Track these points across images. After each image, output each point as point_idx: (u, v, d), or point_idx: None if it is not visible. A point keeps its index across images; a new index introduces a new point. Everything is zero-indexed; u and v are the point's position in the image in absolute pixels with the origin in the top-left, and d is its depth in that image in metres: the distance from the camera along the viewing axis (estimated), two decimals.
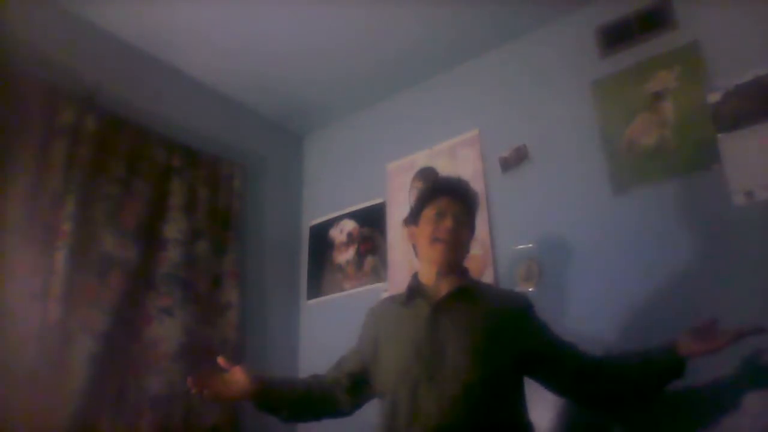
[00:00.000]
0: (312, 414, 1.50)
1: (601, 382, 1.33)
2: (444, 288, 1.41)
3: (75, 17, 2.05)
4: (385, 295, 2.31)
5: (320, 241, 2.70)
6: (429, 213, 1.44)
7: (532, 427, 1.35)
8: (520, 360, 1.34)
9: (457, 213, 1.42)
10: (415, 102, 2.58)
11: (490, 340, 1.32)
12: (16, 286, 1.63)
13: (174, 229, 2.11)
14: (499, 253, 2.07)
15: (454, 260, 1.42)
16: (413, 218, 1.51)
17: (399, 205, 2.45)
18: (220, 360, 1.40)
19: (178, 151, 2.23)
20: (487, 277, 2.04)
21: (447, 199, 1.44)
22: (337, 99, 2.69)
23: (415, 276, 1.49)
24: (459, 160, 2.32)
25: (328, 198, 2.76)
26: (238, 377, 1.37)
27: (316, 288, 2.64)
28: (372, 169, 2.60)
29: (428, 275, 1.45)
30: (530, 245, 1.99)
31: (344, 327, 2.39)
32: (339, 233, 2.64)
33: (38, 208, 1.73)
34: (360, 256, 2.52)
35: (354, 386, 1.48)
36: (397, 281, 2.31)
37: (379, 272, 2.42)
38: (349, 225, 2.62)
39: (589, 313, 1.77)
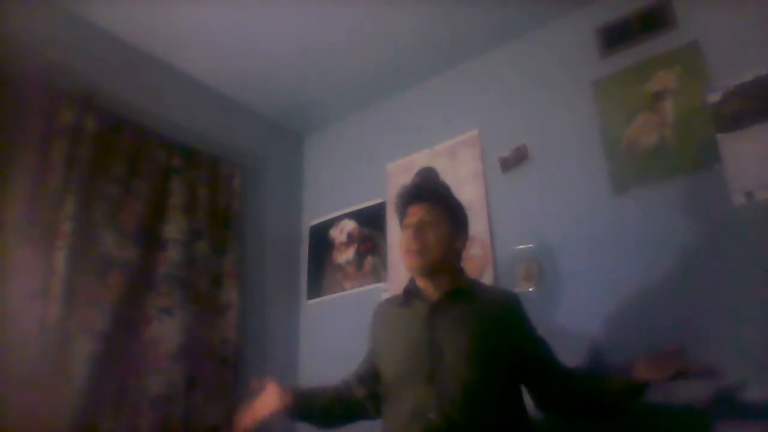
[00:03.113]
0: (342, 418, 1.51)
1: (579, 395, 1.34)
2: (439, 289, 1.43)
3: (75, 17, 2.04)
4: (385, 295, 2.31)
5: (320, 241, 2.70)
6: (403, 225, 1.48)
7: (531, 424, 1.36)
8: (514, 357, 1.35)
9: (421, 219, 1.43)
10: (415, 102, 2.58)
11: (486, 340, 1.34)
12: (16, 286, 1.63)
13: (174, 229, 2.11)
14: (499, 253, 2.07)
15: (426, 265, 1.41)
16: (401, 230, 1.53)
17: None
18: (254, 382, 1.46)
19: (178, 151, 2.23)
20: (487, 277, 2.04)
21: (413, 207, 1.47)
22: (337, 99, 2.69)
23: (411, 279, 1.52)
24: (459, 160, 2.32)
25: (328, 198, 2.75)
26: (271, 395, 1.41)
27: (316, 288, 2.64)
28: (372, 169, 2.60)
29: (420, 281, 1.48)
30: (530, 245, 1.99)
31: (344, 327, 2.40)
32: (339, 233, 2.64)
33: (38, 208, 1.73)
34: (360, 256, 2.52)
35: (371, 389, 1.49)
36: (397, 281, 2.31)
37: (379, 272, 2.42)
38: (349, 225, 2.62)
39: (589, 313, 1.77)
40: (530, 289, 1.92)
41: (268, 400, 1.41)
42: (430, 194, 1.49)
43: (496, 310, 1.40)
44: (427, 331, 1.36)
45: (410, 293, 1.48)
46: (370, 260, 2.48)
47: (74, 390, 1.68)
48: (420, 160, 2.45)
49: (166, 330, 1.98)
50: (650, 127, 1.85)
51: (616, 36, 2.01)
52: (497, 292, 1.55)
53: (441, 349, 1.32)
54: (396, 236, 2.40)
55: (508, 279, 2.00)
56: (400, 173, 2.50)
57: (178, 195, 2.17)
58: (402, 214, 1.50)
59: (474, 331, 1.34)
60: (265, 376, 2.33)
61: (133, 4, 2.02)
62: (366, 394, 1.48)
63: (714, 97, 1.73)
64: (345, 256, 2.57)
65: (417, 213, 1.45)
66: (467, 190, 2.23)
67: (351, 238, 2.59)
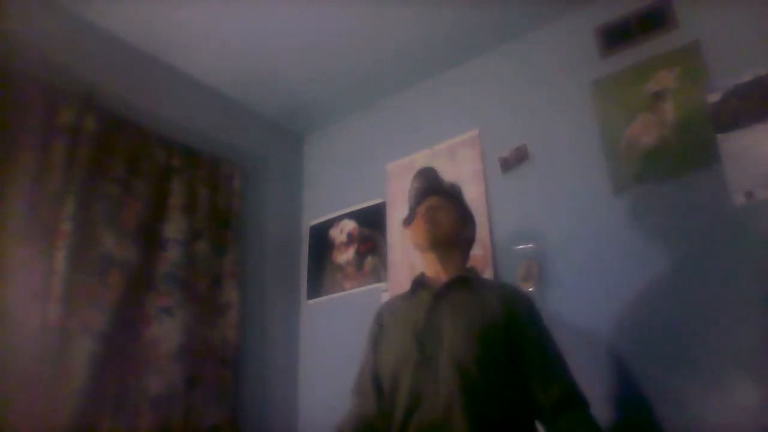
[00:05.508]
0: None
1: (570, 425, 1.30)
2: (445, 277, 1.50)
3: (75, 17, 2.04)
4: (385, 295, 2.32)
5: (320, 241, 2.70)
6: (420, 210, 1.59)
7: (532, 420, 1.35)
8: (512, 352, 1.34)
9: (433, 204, 1.57)
10: (415, 102, 2.58)
11: (486, 326, 1.35)
12: (16, 286, 1.62)
13: (174, 229, 2.11)
14: (499, 253, 2.07)
15: (436, 236, 1.51)
16: (410, 220, 1.63)
17: (399, 205, 2.45)
18: None
19: (178, 151, 2.22)
20: (487, 278, 2.04)
21: (427, 199, 1.61)
22: (337, 98, 2.69)
23: (420, 273, 1.58)
24: (459, 160, 2.32)
25: (328, 198, 2.75)
26: None
27: (316, 288, 2.64)
28: (372, 169, 2.60)
29: (429, 264, 1.54)
30: (530, 245, 1.99)
31: (344, 327, 2.41)
32: (339, 233, 2.64)
33: (38, 208, 1.73)
34: (360, 256, 2.52)
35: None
36: (397, 281, 2.31)
37: (379, 272, 2.42)
38: (349, 225, 2.62)
39: (589, 313, 1.77)
40: (530, 289, 1.92)
41: None
42: (442, 189, 1.68)
43: (500, 302, 1.41)
44: (429, 316, 1.41)
45: (417, 284, 1.54)
46: (370, 260, 2.48)
47: (74, 390, 1.68)
48: (420, 160, 2.45)
49: (166, 330, 1.98)
50: (650, 127, 1.85)
51: (616, 36, 2.01)
52: (506, 288, 1.56)
53: (440, 332, 1.36)
54: (396, 236, 2.41)
55: (508, 279, 2.00)
56: (400, 173, 2.50)
57: (178, 195, 2.16)
58: (419, 203, 1.62)
59: (474, 316, 1.37)
60: (265, 376, 2.36)
61: (133, 4, 2.02)
62: (377, 401, 1.43)
63: (714, 97, 1.73)
64: (345, 256, 2.57)
65: (429, 201, 1.59)
66: (467, 190, 2.21)
67: (351, 238, 2.59)
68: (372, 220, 2.53)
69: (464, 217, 1.61)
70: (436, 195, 1.62)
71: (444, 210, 1.56)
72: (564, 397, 1.32)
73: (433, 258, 1.52)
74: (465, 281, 1.49)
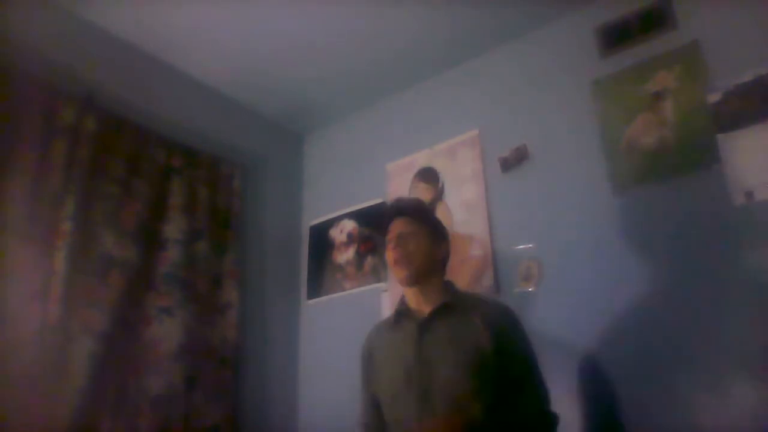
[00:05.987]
0: None
1: None
2: (427, 307, 1.46)
3: (75, 17, 2.04)
4: (385, 295, 2.32)
5: (320, 241, 2.70)
6: (389, 239, 1.54)
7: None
8: (500, 371, 1.35)
9: (401, 231, 1.51)
10: (415, 102, 2.58)
11: (475, 354, 1.34)
12: (16, 286, 1.63)
13: (174, 229, 2.11)
14: (499, 253, 2.07)
15: (411, 273, 1.47)
16: (384, 246, 1.60)
17: None
18: None
19: (177, 151, 2.23)
20: (487, 278, 2.04)
21: (394, 222, 1.55)
22: (337, 99, 2.69)
23: (401, 299, 1.55)
24: (459, 160, 2.32)
25: (328, 198, 2.76)
26: None
27: (316, 288, 2.64)
28: (372, 169, 2.60)
29: (409, 296, 1.52)
30: (530, 245, 1.99)
31: (344, 327, 2.41)
32: (339, 233, 2.64)
33: (38, 208, 1.73)
34: (360, 256, 2.52)
35: None
36: (396, 281, 2.31)
37: (379, 272, 2.42)
38: (349, 225, 2.62)
39: (589, 313, 1.77)
40: (530, 289, 1.92)
41: None
42: (408, 210, 1.58)
43: (485, 324, 1.39)
44: (417, 350, 1.39)
45: (400, 314, 1.51)
46: (370, 260, 2.48)
47: (74, 390, 1.68)
48: (420, 160, 2.45)
49: (166, 330, 1.98)
50: (650, 127, 1.85)
51: (616, 36, 2.01)
52: (488, 306, 1.50)
53: (432, 369, 1.35)
54: None
55: (508, 279, 2.00)
56: (400, 173, 2.50)
57: (178, 195, 2.16)
58: (386, 231, 1.57)
59: (463, 347, 1.36)
60: (265, 376, 2.36)
61: (133, 4, 2.02)
62: (383, 428, 1.46)
63: (714, 97, 1.73)
64: (345, 256, 2.57)
65: (397, 226, 1.53)
66: (467, 190, 2.24)
67: (351, 238, 2.59)
68: (372, 220, 2.53)
69: (435, 236, 1.55)
70: (403, 217, 1.55)
71: (413, 235, 1.50)
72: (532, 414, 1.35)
73: (414, 291, 1.50)
74: (447, 307, 1.45)
